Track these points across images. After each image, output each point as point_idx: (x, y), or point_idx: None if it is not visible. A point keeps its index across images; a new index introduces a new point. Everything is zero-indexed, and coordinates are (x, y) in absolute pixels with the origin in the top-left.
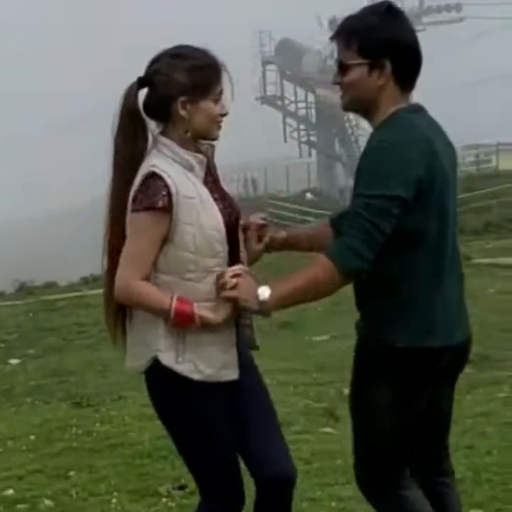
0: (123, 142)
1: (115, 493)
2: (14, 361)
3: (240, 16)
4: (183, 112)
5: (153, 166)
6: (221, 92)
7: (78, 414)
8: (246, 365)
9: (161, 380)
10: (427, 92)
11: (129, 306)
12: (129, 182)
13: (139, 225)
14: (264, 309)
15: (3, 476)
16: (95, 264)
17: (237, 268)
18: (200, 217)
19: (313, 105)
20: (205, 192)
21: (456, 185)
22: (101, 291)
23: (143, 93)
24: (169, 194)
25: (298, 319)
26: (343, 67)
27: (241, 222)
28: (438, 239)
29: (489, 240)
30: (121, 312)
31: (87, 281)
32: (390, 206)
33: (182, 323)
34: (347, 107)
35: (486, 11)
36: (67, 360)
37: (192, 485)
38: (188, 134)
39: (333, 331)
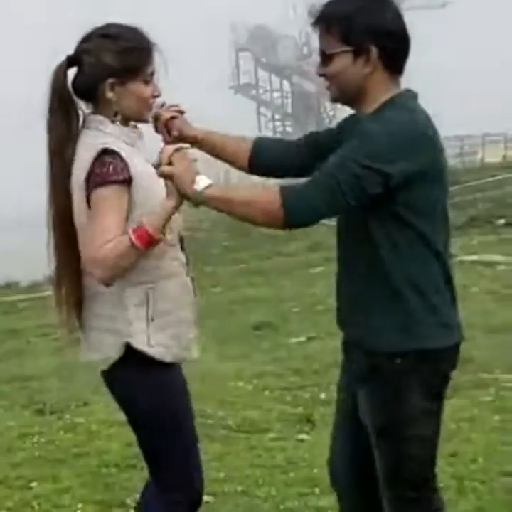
0: (55, 123)
1: (80, 505)
2: None
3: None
4: (110, 94)
5: (103, 143)
6: (152, 73)
7: (41, 421)
8: None
9: (131, 368)
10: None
11: (115, 276)
12: (68, 163)
13: (105, 199)
14: (195, 197)
15: None
16: None
17: (179, 146)
18: (154, 185)
19: (289, 95)
20: (149, 165)
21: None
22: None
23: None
24: (127, 167)
25: (274, 320)
26: (326, 57)
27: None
28: (437, 230)
29: (474, 236)
30: (76, 306)
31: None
32: (371, 180)
33: (151, 244)
34: (336, 99)
35: None
36: (29, 365)
37: None
38: (118, 117)
39: (310, 332)
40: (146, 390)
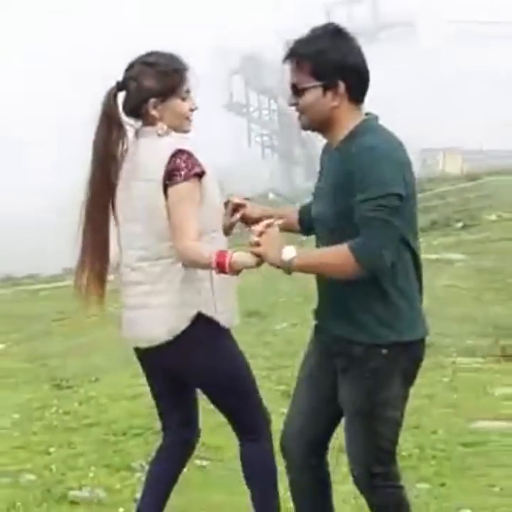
0: (103, 137)
1: (92, 468)
2: (1, 346)
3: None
4: (153, 112)
5: (173, 144)
6: (188, 91)
7: (58, 395)
8: None
9: (201, 335)
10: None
11: (194, 267)
12: (111, 172)
13: (185, 192)
14: (284, 267)
15: (13, 454)
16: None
17: (264, 224)
18: (213, 183)
19: (275, 113)
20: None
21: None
22: (68, 283)
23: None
24: (199, 162)
25: (263, 308)
26: (297, 90)
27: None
28: (415, 236)
29: (436, 237)
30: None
31: (68, 272)
32: (396, 202)
33: (221, 273)
34: (306, 127)
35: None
36: (48, 345)
37: None
38: (163, 130)
39: (293, 319)
40: (215, 354)
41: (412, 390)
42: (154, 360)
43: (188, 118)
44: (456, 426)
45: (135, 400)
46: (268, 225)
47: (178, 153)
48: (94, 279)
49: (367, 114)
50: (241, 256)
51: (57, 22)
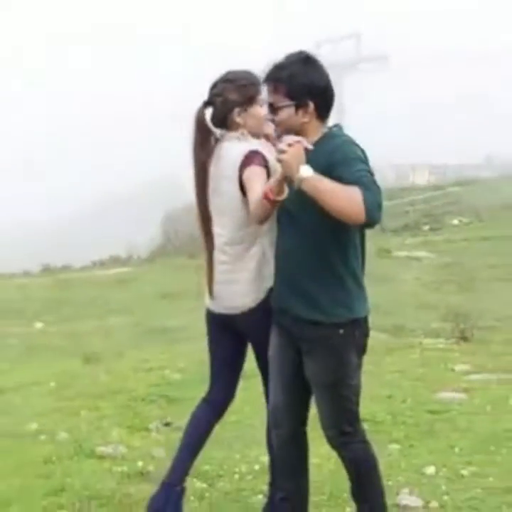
0: (198, 145)
1: (116, 428)
2: (39, 325)
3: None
4: (238, 119)
5: (247, 147)
6: (263, 99)
7: (88, 367)
8: None
9: (267, 306)
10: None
11: (260, 220)
12: (206, 169)
13: (256, 174)
14: (296, 182)
15: (28, 413)
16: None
17: (295, 138)
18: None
19: None
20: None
21: None
22: (104, 272)
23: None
24: (266, 158)
25: None
26: (274, 108)
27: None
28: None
29: (406, 238)
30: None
31: (96, 265)
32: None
33: (267, 199)
34: (280, 137)
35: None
36: (80, 326)
37: (176, 422)
38: (244, 134)
39: None
40: (267, 326)
41: (385, 366)
42: (236, 324)
43: (265, 121)
44: (422, 396)
45: (152, 372)
46: (297, 141)
47: (250, 153)
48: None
49: (335, 125)
50: (271, 181)
51: None
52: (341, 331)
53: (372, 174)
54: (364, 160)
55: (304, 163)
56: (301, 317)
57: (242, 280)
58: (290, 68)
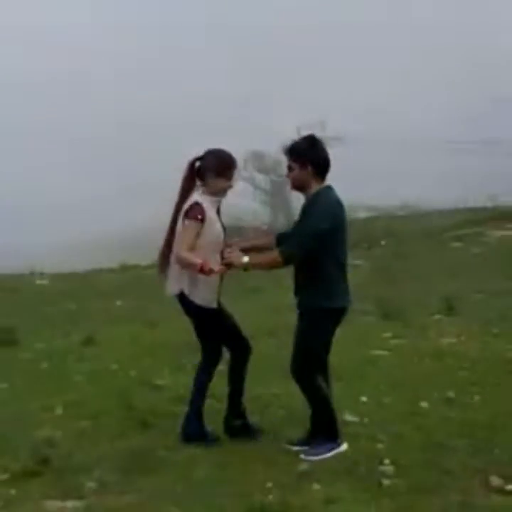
0: (184, 189)
1: (166, 369)
2: (118, 303)
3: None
4: (210, 180)
5: (196, 200)
6: (233, 175)
7: (149, 329)
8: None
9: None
10: None
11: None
12: (181, 208)
13: (190, 226)
14: (241, 265)
15: (111, 359)
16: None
17: (231, 248)
18: (215, 226)
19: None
20: (216, 216)
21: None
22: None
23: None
24: (203, 212)
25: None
26: (289, 168)
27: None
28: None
29: (352, 251)
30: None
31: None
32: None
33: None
34: (293, 188)
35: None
36: (143, 303)
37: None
38: (204, 191)
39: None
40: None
41: (337, 332)
42: None
43: (228, 190)
44: (360, 352)
45: (188, 332)
46: (233, 249)
47: (194, 204)
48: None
49: (327, 186)
50: (213, 265)
51: None
52: (323, 314)
53: (315, 227)
54: (320, 216)
55: (242, 257)
56: (301, 303)
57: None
58: (300, 144)
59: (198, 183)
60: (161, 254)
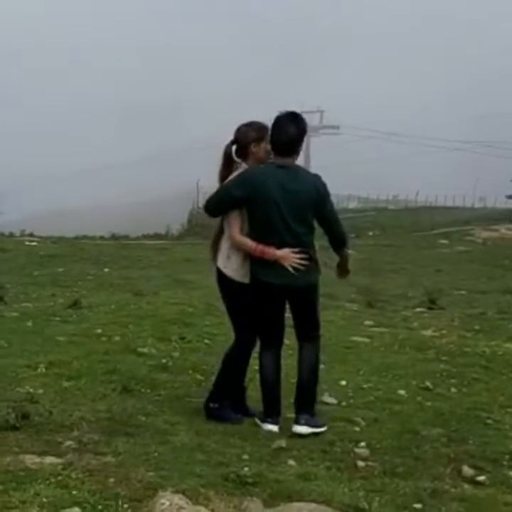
0: (224, 178)
1: (150, 338)
2: (106, 270)
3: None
4: (254, 149)
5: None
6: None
7: (136, 298)
8: None
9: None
10: None
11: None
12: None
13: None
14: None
15: (96, 323)
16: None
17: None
18: None
19: None
20: None
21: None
22: (150, 242)
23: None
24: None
25: None
26: None
27: None
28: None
29: None
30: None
31: (146, 236)
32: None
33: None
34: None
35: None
36: (132, 273)
37: (189, 338)
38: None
39: None
40: None
41: (322, 317)
42: None
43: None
44: (342, 338)
45: (175, 305)
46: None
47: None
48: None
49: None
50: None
51: None
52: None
53: (225, 187)
54: (232, 180)
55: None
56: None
57: None
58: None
59: (238, 162)
60: (213, 243)
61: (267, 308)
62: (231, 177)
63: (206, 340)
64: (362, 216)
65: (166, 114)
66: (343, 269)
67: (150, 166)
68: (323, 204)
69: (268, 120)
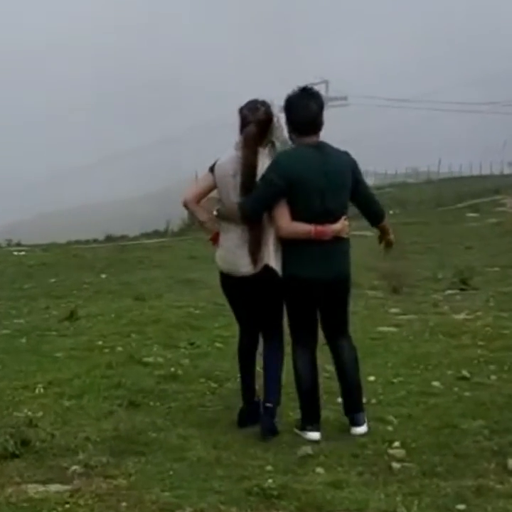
0: (251, 155)
1: (155, 345)
2: (103, 276)
3: None
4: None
5: None
6: None
7: (137, 304)
8: None
9: None
10: None
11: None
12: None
13: None
14: None
15: (96, 334)
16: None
17: None
18: None
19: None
20: None
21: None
22: (150, 241)
23: None
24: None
25: None
26: None
27: None
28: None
29: (358, 221)
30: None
31: (144, 234)
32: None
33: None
34: None
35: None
36: (131, 276)
37: (199, 342)
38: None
39: None
40: None
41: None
42: None
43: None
44: (367, 328)
45: (180, 308)
46: None
47: None
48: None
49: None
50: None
51: None
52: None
53: (264, 179)
54: (267, 171)
55: None
56: None
57: None
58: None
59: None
60: (255, 249)
61: (304, 305)
62: (261, 164)
63: (217, 344)
64: (380, 193)
65: (163, 97)
66: (388, 242)
67: (142, 156)
68: (359, 181)
69: (269, 96)
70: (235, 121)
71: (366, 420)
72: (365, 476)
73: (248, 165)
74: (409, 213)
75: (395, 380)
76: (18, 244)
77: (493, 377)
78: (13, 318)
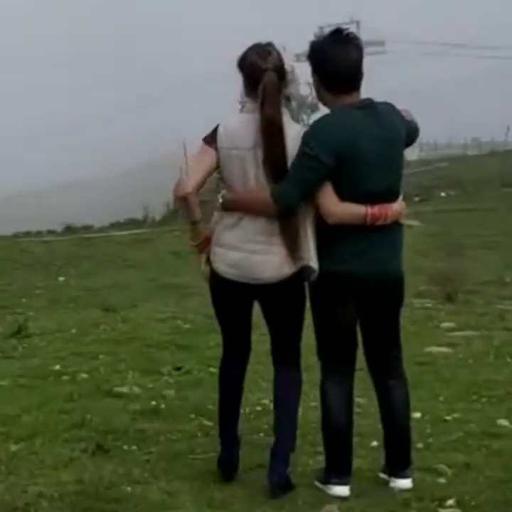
0: (276, 113)
1: (130, 371)
2: (61, 278)
3: None
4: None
5: None
6: None
7: (106, 316)
8: None
9: None
10: None
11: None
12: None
13: None
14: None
15: (52, 356)
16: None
17: None
18: None
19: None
20: None
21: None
22: (122, 233)
23: None
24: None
25: None
26: None
27: None
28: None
29: None
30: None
31: (113, 225)
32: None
33: None
34: None
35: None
36: (98, 280)
37: (187, 367)
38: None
39: None
40: None
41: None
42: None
43: None
44: (412, 350)
45: (163, 322)
46: None
47: None
48: None
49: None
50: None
51: None
52: None
53: (306, 157)
54: (306, 145)
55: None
56: None
57: None
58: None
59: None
60: (293, 243)
61: (341, 315)
62: (291, 128)
63: (211, 369)
64: (429, 170)
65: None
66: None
67: (108, 124)
68: (408, 134)
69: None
70: (235, 74)
71: (411, 473)
72: None
73: (275, 130)
74: (468, 196)
75: (448, 418)
76: None
77: None
78: None
